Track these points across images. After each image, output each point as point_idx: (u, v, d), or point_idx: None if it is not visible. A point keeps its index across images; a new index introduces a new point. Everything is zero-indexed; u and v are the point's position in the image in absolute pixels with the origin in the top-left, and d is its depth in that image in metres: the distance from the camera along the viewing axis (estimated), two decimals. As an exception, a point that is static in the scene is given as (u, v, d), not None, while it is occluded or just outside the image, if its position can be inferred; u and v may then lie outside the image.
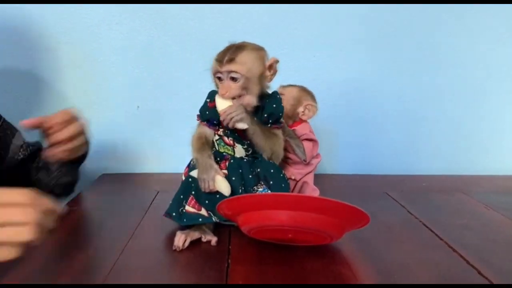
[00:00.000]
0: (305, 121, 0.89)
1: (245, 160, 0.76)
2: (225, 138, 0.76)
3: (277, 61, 0.73)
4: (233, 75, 0.70)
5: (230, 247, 0.69)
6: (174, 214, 0.73)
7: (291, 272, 0.61)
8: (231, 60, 0.70)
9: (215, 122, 0.75)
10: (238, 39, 1.13)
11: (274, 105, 0.74)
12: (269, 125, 0.74)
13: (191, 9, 1.13)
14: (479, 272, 0.61)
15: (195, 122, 1.16)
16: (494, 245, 0.72)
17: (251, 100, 0.72)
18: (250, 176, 0.74)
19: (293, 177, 0.85)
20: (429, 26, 1.18)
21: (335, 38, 1.16)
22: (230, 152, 0.76)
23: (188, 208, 0.73)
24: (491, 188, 1.07)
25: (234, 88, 0.70)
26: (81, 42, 1.13)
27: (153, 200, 0.92)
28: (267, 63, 0.73)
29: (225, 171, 0.74)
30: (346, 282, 0.58)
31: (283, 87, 0.89)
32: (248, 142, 0.75)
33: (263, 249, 0.67)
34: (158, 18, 1.13)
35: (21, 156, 0.94)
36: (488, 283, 0.59)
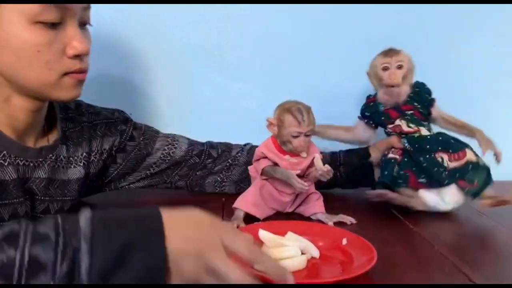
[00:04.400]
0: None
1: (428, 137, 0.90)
2: (407, 128, 0.91)
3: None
4: (400, 64, 0.90)
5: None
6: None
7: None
8: (398, 53, 0.91)
9: (367, 114, 0.97)
10: (233, 44, 1.15)
11: (426, 87, 0.94)
12: (430, 103, 0.93)
13: (186, 15, 1.13)
14: (469, 279, 0.62)
15: (191, 127, 1.17)
16: (485, 251, 0.72)
17: (407, 89, 0.92)
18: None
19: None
20: (426, 29, 1.18)
21: (327, 43, 1.17)
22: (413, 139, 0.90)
23: None
24: (485, 194, 1.07)
25: (399, 74, 0.89)
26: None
27: (146, 204, 0.92)
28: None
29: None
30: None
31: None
32: (427, 122, 0.93)
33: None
34: (153, 24, 1.13)
35: (160, 166, 0.93)
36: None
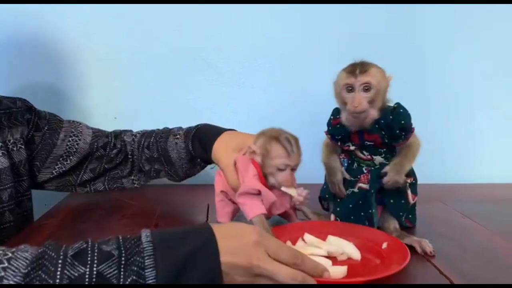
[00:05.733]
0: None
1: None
2: (361, 155, 0.78)
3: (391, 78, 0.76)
4: (366, 86, 0.72)
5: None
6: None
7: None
8: (365, 71, 0.72)
9: (337, 137, 0.79)
10: (218, 49, 1.15)
11: (403, 121, 0.75)
12: (402, 138, 0.76)
13: (173, 20, 1.14)
14: (451, 282, 0.62)
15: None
16: (468, 254, 0.73)
17: (374, 114, 0.74)
18: None
19: None
20: (406, 37, 1.20)
21: (311, 49, 1.17)
22: (371, 165, 0.78)
23: None
24: (468, 197, 1.08)
25: (364, 99, 0.72)
26: (60, 53, 1.12)
27: (130, 208, 0.93)
28: (388, 80, 0.76)
29: (366, 186, 0.77)
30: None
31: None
32: (385, 149, 0.77)
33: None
34: (139, 29, 1.14)
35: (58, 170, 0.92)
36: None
